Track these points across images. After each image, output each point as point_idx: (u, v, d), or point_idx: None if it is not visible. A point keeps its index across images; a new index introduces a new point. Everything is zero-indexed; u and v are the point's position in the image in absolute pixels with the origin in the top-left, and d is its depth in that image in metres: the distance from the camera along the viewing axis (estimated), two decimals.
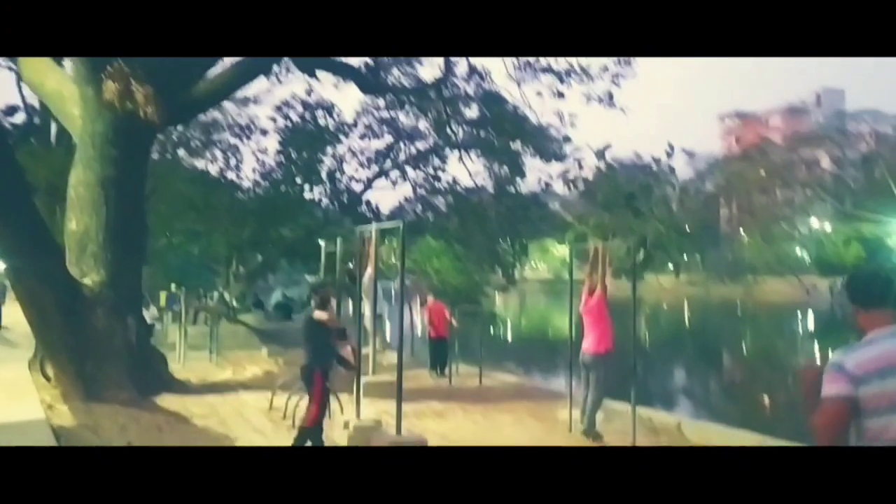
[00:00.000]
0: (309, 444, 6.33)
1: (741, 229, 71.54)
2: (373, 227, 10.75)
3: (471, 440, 7.79)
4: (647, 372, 23.27)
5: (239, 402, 9.77)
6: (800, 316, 43.78)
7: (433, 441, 7.35)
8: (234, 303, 21.60)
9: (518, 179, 26.86)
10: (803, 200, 68.49)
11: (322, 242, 13.03)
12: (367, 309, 10.89)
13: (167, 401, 9.57)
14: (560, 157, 26.79)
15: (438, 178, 27.25)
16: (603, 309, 7.89)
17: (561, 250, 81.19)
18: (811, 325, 38.54)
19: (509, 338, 35.52)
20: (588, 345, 7.87)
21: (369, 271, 10.79)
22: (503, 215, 26.07)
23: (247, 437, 7.64)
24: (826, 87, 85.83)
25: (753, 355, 27.40)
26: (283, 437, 7.71)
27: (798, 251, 64.44)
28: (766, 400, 15.82)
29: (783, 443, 8.13)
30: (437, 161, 27.07)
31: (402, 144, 26.89)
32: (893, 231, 53.00)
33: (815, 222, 65.48)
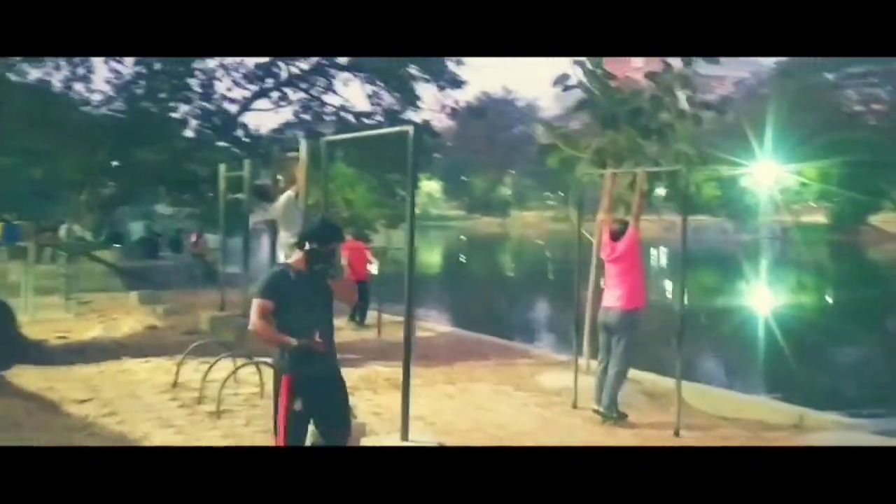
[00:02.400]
0: None
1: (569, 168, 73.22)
2: (302, 143, 8.48)
3: (465, 427, 5.92)
4: (511, 307, 23.03)
5: (125, 374, 7.34)
6: (657, 252, 45.14)
7: (416, 428, 5.46)
8: (89, 236, 18.29)
9: (410, 106, 24.76)
10: (662, 140, 70.47)
11: (221, 166, 10.48)
12: (283, 237, 8.66)
13: (23, 376, 7.00)
14: (457, 84, 24.89)
15: (324, 102, 24.60)
16: (636, 254, 6.16)
17: (427, 185, 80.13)
18: (665, 261, 39.58)
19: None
20: (614, 300, 6.13)
21: (289, 194, 8.54)
22: (396, 145, 23.89)
23: (156, 435, 5.36)
24: None
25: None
26: (207, 432, 5.52)
27: (657, 189, 66.47)
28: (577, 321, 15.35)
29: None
30: (323, 82, 24.37)
31: (281, 62, 23.86)
32: (748, 172, 55.41)
33: (673, 162, 67.63)
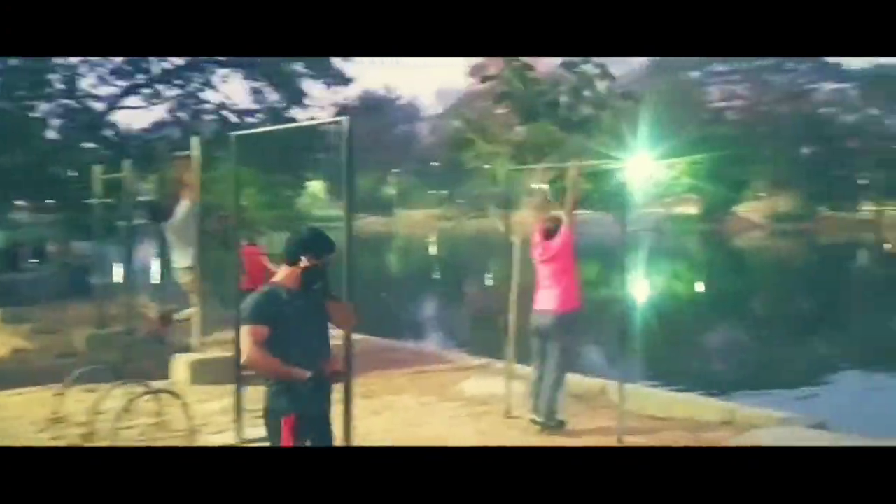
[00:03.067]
0: None
1: (487, 164, 73.77)
2: (195, 141, 7.73)
3: (397, 445, 5.41)
4: (396, 306, 22.89)
5: None
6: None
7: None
8: None
9: (296, 104, 23.84)
10: (545, 137, 72.26)
11: (97, 168, 9.46)
12: (178, 257, 7.87)
13: None
14: (344, 81, 24.18)
15: (201, 99, 23.27)
16: (571, 253, 5.83)
17: (312, 185, 79.06)
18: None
19: None
20: (548, 302, 5.79)
21: (184, 204, 7.76)
22: (280, 145, 22.94)
23: None
24: None
25: (497, 285, 27.87)
26: None
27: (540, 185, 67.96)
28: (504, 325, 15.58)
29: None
30: (199, 78, 23.03)
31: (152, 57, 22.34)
32: (625, 168, 57.52)
33: (557, 158, 69.49)
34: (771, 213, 56.42)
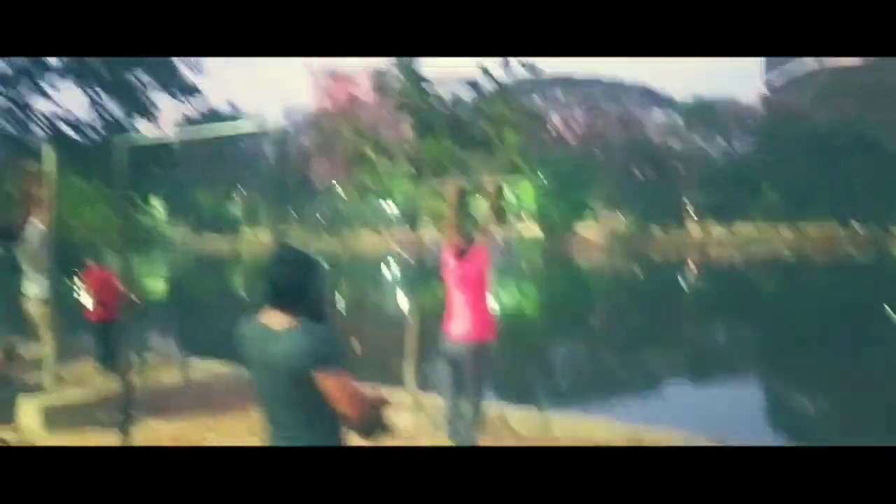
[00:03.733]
0: None
1: (335, 184, 73.04)
2: (46, 150, 6.76)
3: None
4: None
5: None
6: (390, 266, 46.51)
7: None
8: None
9: (140, 116, 22.16)
10: (487, 150, 72.57)
11: None
12: (34, 287, 6.82)
13: None
14: (190, 92, 22.74)
15: (30, 108, 21.13)
16: (485, 277, 5.45)
17: (153, 204, 74.90)
18: (399, 275, 40.57)
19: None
20: (462, 329, 5.35)
21: (36, 225, 6.76)
22: (123, 161, 21.11)
23: None
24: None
25: (348, 305, 27.70)
26: None
27: (389, 206, 67.97)
28: (358, 347, 15.57)
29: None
30: (27, 83, 20.91)
31: None
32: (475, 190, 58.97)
33: (404, 182, 70.10)
34: (608, 233, 59.60)
